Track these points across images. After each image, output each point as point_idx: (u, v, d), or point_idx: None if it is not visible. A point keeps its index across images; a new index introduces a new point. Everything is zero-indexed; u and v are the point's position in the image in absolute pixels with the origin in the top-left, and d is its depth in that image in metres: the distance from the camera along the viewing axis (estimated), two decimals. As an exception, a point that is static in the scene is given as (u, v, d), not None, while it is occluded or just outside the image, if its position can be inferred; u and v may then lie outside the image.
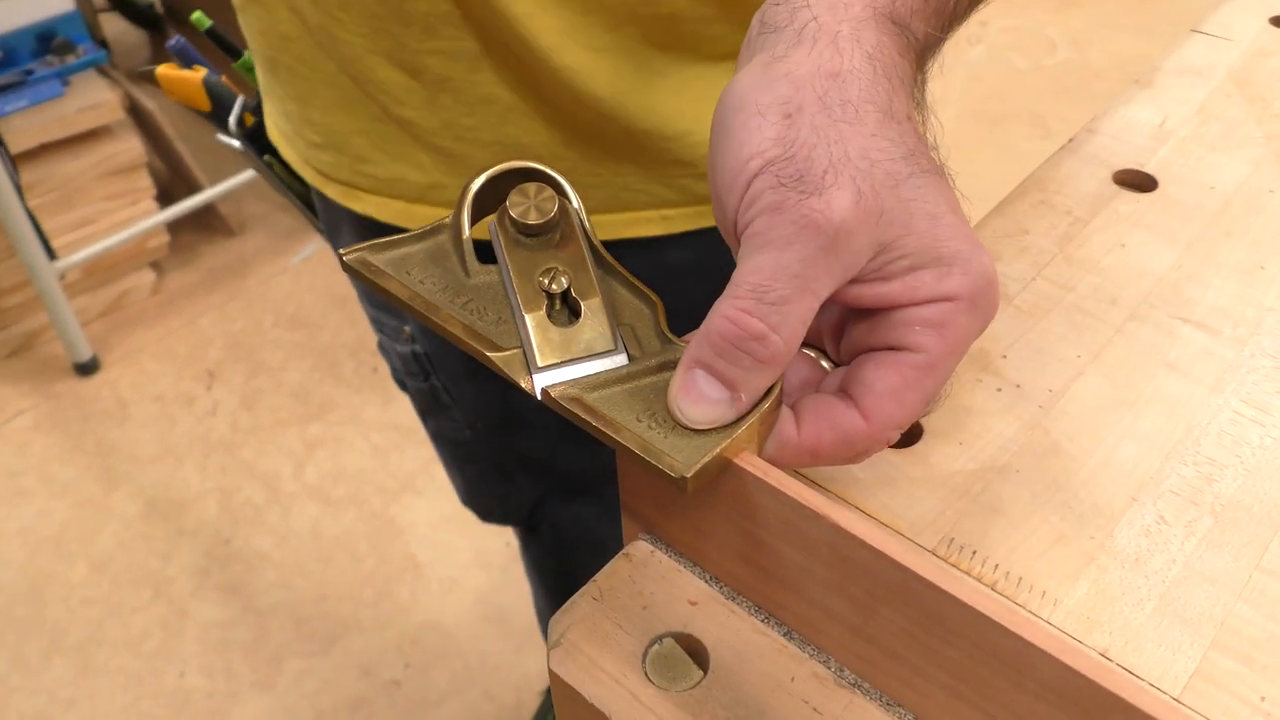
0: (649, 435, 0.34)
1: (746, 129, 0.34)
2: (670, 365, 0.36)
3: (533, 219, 0.38)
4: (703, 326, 0.34)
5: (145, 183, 2.00)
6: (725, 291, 0.34)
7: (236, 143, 0.83)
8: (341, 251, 0.39)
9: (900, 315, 0.34)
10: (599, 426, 0.34)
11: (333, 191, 0.69)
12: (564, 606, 0.38)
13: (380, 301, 0.77)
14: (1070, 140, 0.60)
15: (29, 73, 1.89)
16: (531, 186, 0.39)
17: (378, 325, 0.83)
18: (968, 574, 0.38)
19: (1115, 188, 0.56)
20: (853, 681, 0.36)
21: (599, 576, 0.39)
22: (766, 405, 0.34)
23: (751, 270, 0.33)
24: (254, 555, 1.62)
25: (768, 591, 0.37)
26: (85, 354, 1.90)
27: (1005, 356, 0.46)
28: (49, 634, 1.53)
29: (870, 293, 0.34)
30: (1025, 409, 0.44)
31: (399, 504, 1.67)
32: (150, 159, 2.05)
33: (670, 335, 0.37)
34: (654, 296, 0.38)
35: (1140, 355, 0.46)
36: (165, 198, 2.05)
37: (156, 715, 1.43)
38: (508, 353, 0.37)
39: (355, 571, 1.59)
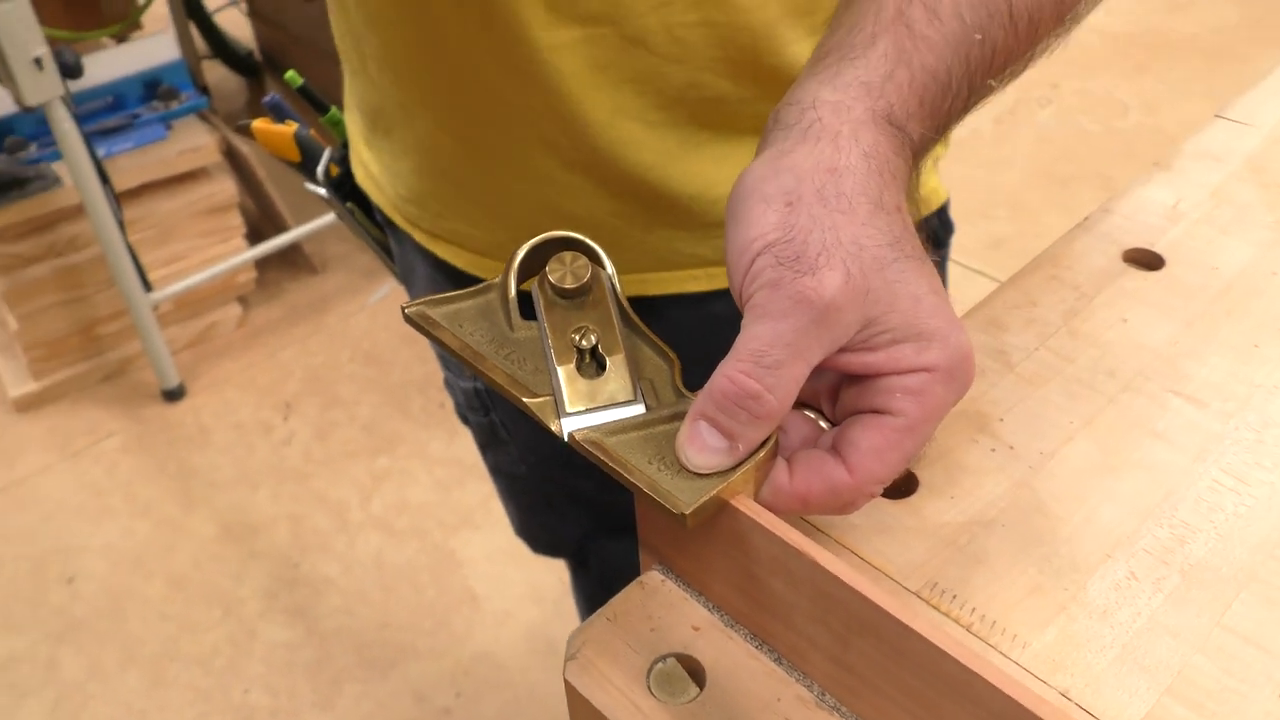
0: (657, 476, 0.39)
1: (752, 214, 0.39)
2: (681, 416, 0.41)
3: (568, 283, 0.43)
4: (707, 384, 0.39)
5: (236, 221, 2.11)
6: (728, 355, 0.38)
7: (323, 190, 0.90)
8: (404, 306, 0.45)
9: (884, 383, 0.39)
10: (614, 467, 0.39)
11: (419, 236, 0.76)
12: (581, 625, 0.43)
13: None
14: (1086, 218, 0.64)
15: (135, 116, 2.03)
16: (569, 255, 0.44)
17: (444, 362, 0.89)
18: (946, 615, 0.42)
19: (1124, 265, 0.60)
20: (833, 705, 0.40)
21: (614, 601, 0.44)
22: (761, 454, 0.39)
23: (751, 338, 0.38)
24: (320, 580, 1.69)
25: (760, 621, 0.41)
26: (173, 381, 2.01)
27: (1002, 420, 0.50)
28: (127, 646, 1.61)
29: (858, 361, 0.39)
30: (1016, 469, 0.48)
31: (458, 537, 1.73)
32: (242, 199, 2.17)
33: (683, 390, 0.42)
34: (672, 355, 0.43)
35: (1130, 424, 0.50)
36: (254, 236, 2.16)
37: (221, 729, 1.50)
38: (541, 400, 0.42)
39: (415, 601, 1.65)
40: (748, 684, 0.41)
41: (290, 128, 0.93)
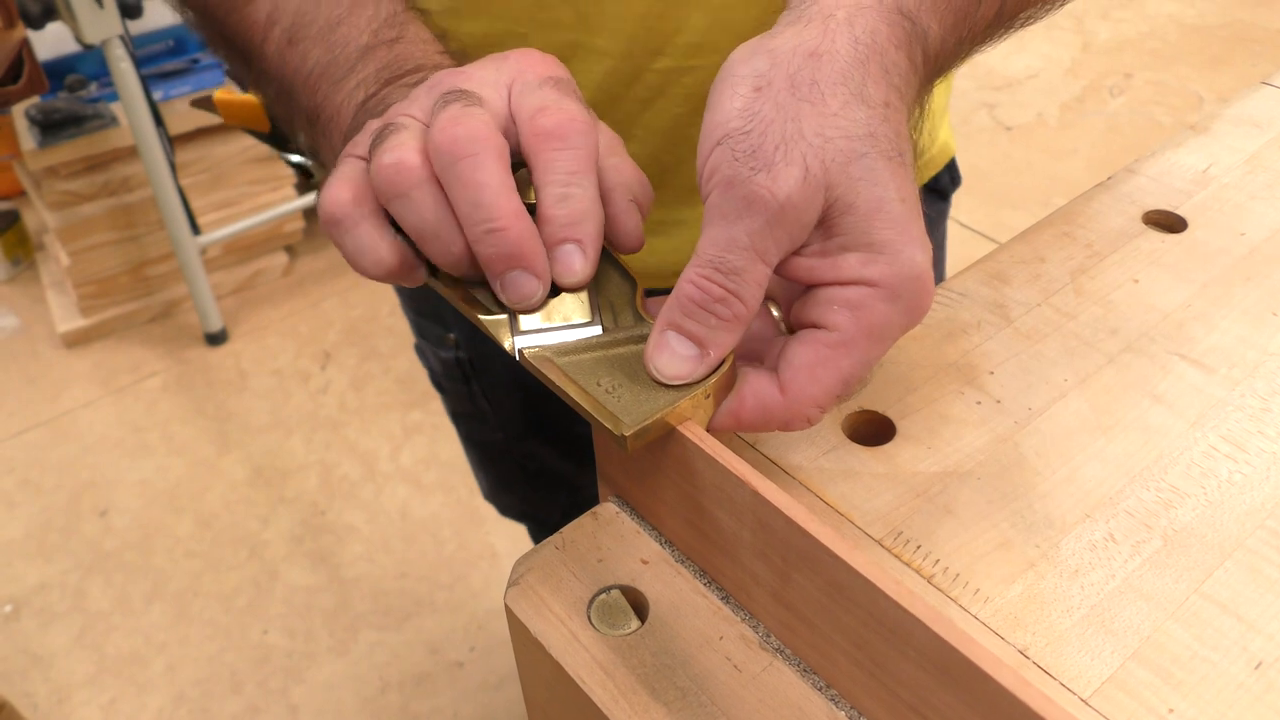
0: (604, 398, 0.37)
1: (721, 98, 0.36)
2: (639, 339, 0.39)
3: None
4: (673, 292, 0.37)
5: (287, 172, 2.13)
6: (691, 261, 0.37)
7: (296, 158, 0.86)
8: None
9: (824, 293, 0.36)
10: (561, 386, 0.38)
11: None
12: (529, 552, 0.42)
13: (425, 309, 0.82)
14: (1109, 178, 0.61)
15: (195, 61, 2.04)
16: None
17: (419, 330, 0.87)
18: (908, 565, 0.40)
19: (1142, 227, 0.57)
20: (776, 647, 0.38)
21: (565, 529, 0.43)
22: (713, 379, 0.37)
23: (710, 242, 0.36)
24: (345, 528, 1.70)
25: (708, 556, 0.40)
26: (216, 325, 2.03)
27: (992, 373, 0.48)
28: (153, 580, 1.64)
29: (803, 265, 0.36)
30: (1000, 423, 0.46)
31: (484, 494, 1.74)
32: (294, 149, 2.18)
33: (644, 313, 0.40)
34: (632, 276, 0.42)
35: (1128, 385, 0.47)
36: (305, 187, 2.18)
37: (238, 667, 1.52)
38: (497, 317, 0.40)
39: (436, 554, 1.66)
40: (691, 620, 0.39)
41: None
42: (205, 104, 0.89)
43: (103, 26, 1.69)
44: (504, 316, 0.40)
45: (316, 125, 0.47)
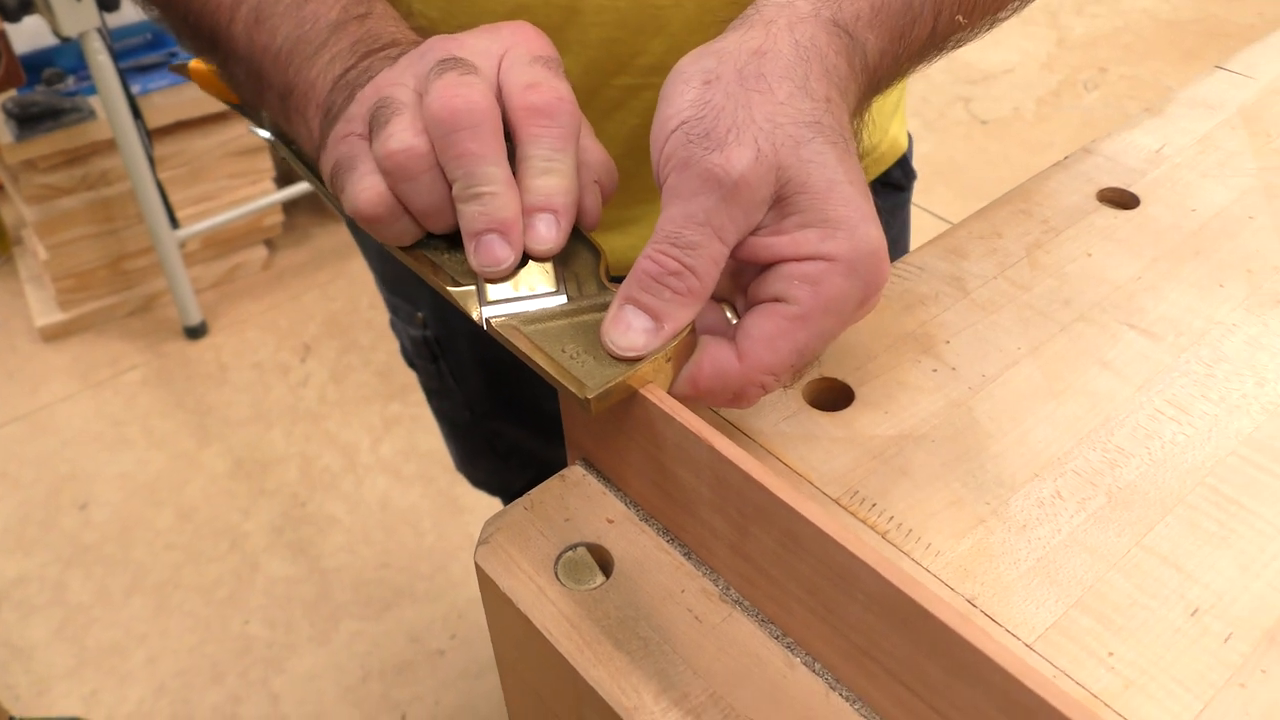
0: (569, 364, 0.39)
1: (673, 93, 0.38)
2: (602, 307, 0.40)
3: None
4: (632, 269, 0.38)
5: (266, 164, 2.13)
6: (650, 239, 0.38)
7: (265, 133, 0.86)
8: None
9: (783, 269, 0.37)
10: (526, 353, 0.39)
11: None
12: (498, 513, 0.43)
13: (398, 288, 0.83)
14: (1065, 158, 0.62)
15: (173, 55, 2.04)
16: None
17: (392, 308, 0.88)
18: (863, 522, 0.42)
19: (1097, 204, 0.58)
20: (735, 599, 0.40)
21: (533, 491, 0.44)
22: (674, 343, 0.39)
23: (667, 220, 0.37)
24: (326, 519, 1.71)
25: (671, 514, 0.41)
26: (196, 319, 2.04)
27: (949, 342, 0.50)
28: (132, 573, 1.64)
29: (761, 244, 0.38)
30: (955, 389, 0.47)
31: (462, 485, 1.74)
32: (273, 143, 2.18)
33: (607, 283, 0.42)
34: (600, 247, 0.43)
35: (1078, 352, 0.49)
36: (284, 180, 2.18)
37: (218, 658, 1.53)
38: (464, 289, 0.42)
39: (416, 544, 1.67)
40: (654, 575, 0.41)
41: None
42: (181, 70, 0.88)
43: (80, 19, 1.69)
44: (471, 288, 0.42)
45: (289, 101, 0.47)
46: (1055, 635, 0.38)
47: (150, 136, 1.90)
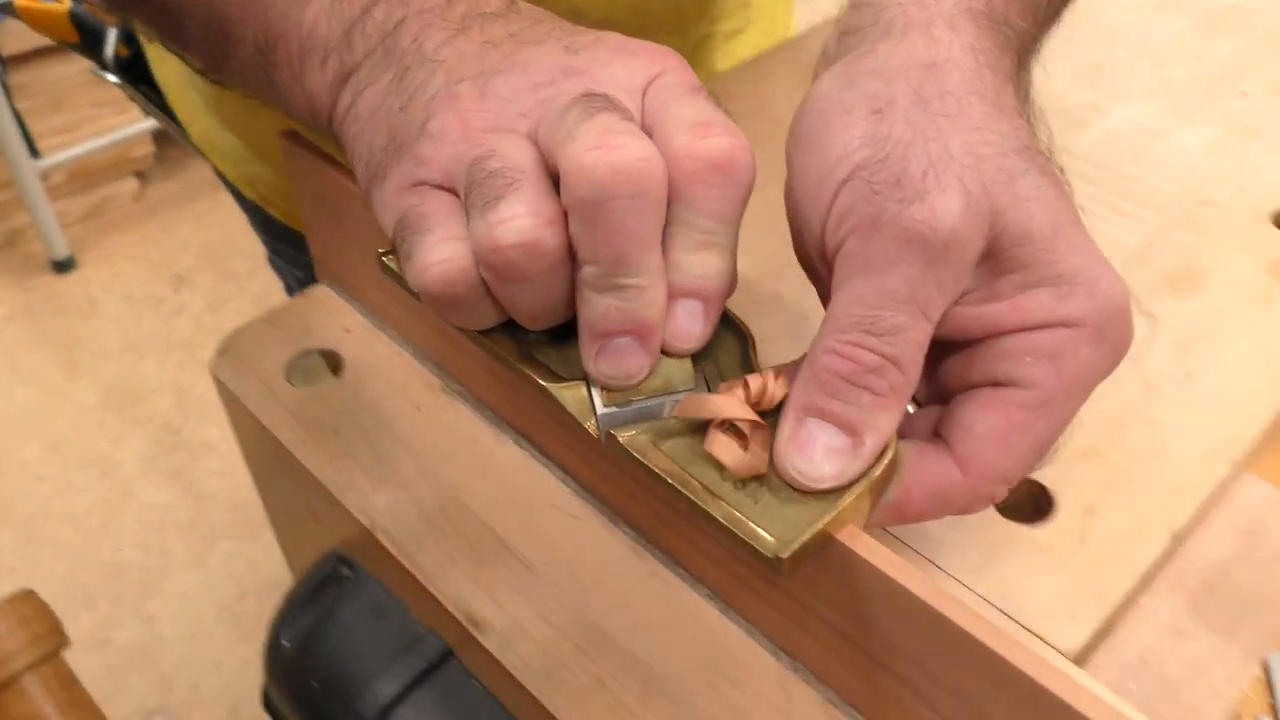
0: (735, 498, 0.28)
1: (830, 131, 0.29)
2: (766, 412, 0.30)
3: None
4: (806, 369, 0.29)
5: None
6: (824, 327, 0.29)
7: (112, 77, 0.79)
8: (380, 252, 0.34)
9: (1008, 343, 0.28)
10: (675, 485, 0.29)
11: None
12: (240, 327, 0.44)
13: (277, 232, 0.76)
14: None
15: (24, -22, 1.97)
16: None
17: (273, 250, 0.81)
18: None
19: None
20: (456, 389, 0.41)
21: (278, 307, 0.45)
22: (878, 470, 0.28)
23: (854, 300, 0.28)
24: (200, 444, 1.69)
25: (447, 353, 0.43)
26: (63, 252, 1.98)
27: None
28: (0, 507, 1.62)
29: (973, 315, 0.29)
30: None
31: (341, 407, 1.74)
32: (139, 71, 2.12)
33: (759, 370, 0.31)
34: (745, 327, 0.32)
35: None
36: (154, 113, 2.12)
37: (91, 585, 1.51)
38: (568, 385, 0.31)
39: (293, 467, 1.66)
40: (384, 374, 0.42)
41: (64, 4, 0.76)
42: (8, 10, 0.80)
43: (-84, -64, 1.61)
44: (578, 384, 0.31)
45: (274, 53, 0.36)
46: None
47: (5, 64, 1.83)
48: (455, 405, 0.41)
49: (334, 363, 0.43)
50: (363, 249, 0.42)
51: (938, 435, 0.30)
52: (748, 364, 0.31)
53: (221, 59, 0.38)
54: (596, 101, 0.29)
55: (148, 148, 2.14)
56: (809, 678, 0.33)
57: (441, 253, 0.29)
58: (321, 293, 0.46)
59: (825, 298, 0.30)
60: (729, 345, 0.32)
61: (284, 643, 0.40)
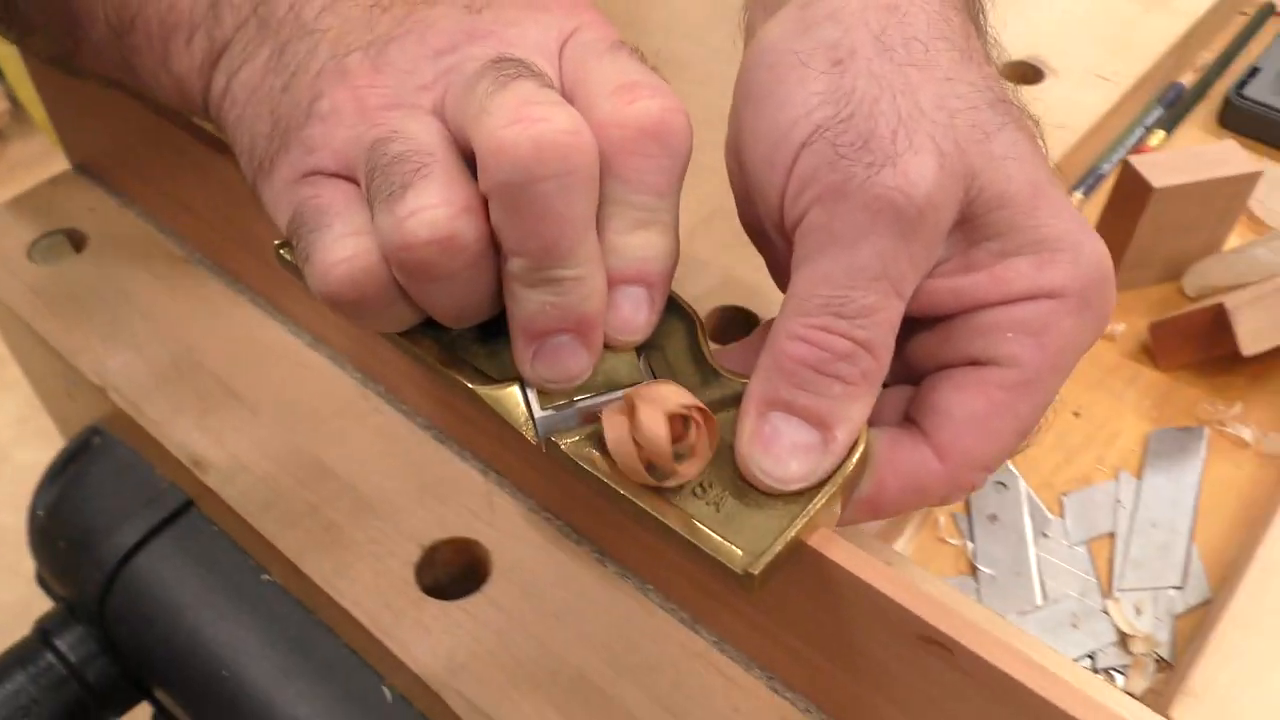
0: (694, 506, 0.25)
1: (785, 85, 0.26)
2: (720, 403, 0.27)
3: None
4: (767, 357, 0.26)
5: (-20, 49, 2.00)
6: (785, 307, 0.26)
7: None
8: (277, 244, 0.30)
9: (986, 318, 0.26)
10: (627, 496, 0.25)
11: None
12: (-13, 214, 0.44)
13: None
14: None
15: None
16: None
17: None
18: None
19: None
20: (198, 259, 0.42)
21: (22, 193, 0.45)
22: (851, 466, 0.25)
23: (820, 279, 0.25)
24: None
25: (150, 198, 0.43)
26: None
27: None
28: None
29: (947, 288, 0.26)
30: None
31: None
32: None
33: (713, 360, 0.28)
34: (690, 309, 0.28)
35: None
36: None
37: (-34, 548, 1.49)
38: (500, 388, 0.27)
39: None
40: (128, 247, 0.43)
41: None
42: None
43: None
44: (511, 387, 0.27)
45: (131, 35, 0.31)
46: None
47: None
48: (195, 272, 0.42)
49: (78, 241, 0.43)
50: (112, 131, 0.42)
51: (909, 420, 0.27)
52: (697, 350, 0.28)
53: (72, 47, 0.33)
54: (509, 68, 0.25)
55: (2, 104, 2.07)
56: (512, 489, 0.35)
57: (343, 250, 0.25)
58: (67, 177, 0.46)
59: (779, 273, 0.28)
60: (674, 330, 0.28)
61: (39, 513, 0.41)
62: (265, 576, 0.35)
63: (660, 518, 0.25)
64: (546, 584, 0.33)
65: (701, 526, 0.25)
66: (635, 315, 0.27)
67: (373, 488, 0.35)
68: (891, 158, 0.24)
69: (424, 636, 0.32)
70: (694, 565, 0.26)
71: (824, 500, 0.25)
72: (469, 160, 0.25)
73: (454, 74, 0.27)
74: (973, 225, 0.25)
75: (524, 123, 0.23)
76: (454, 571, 0.34)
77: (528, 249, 0.25)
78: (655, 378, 0.27)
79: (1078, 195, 0.47)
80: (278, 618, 0.34)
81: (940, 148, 0.24)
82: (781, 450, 0.25)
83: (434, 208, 0.24)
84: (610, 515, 0.32)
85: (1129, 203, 0.42)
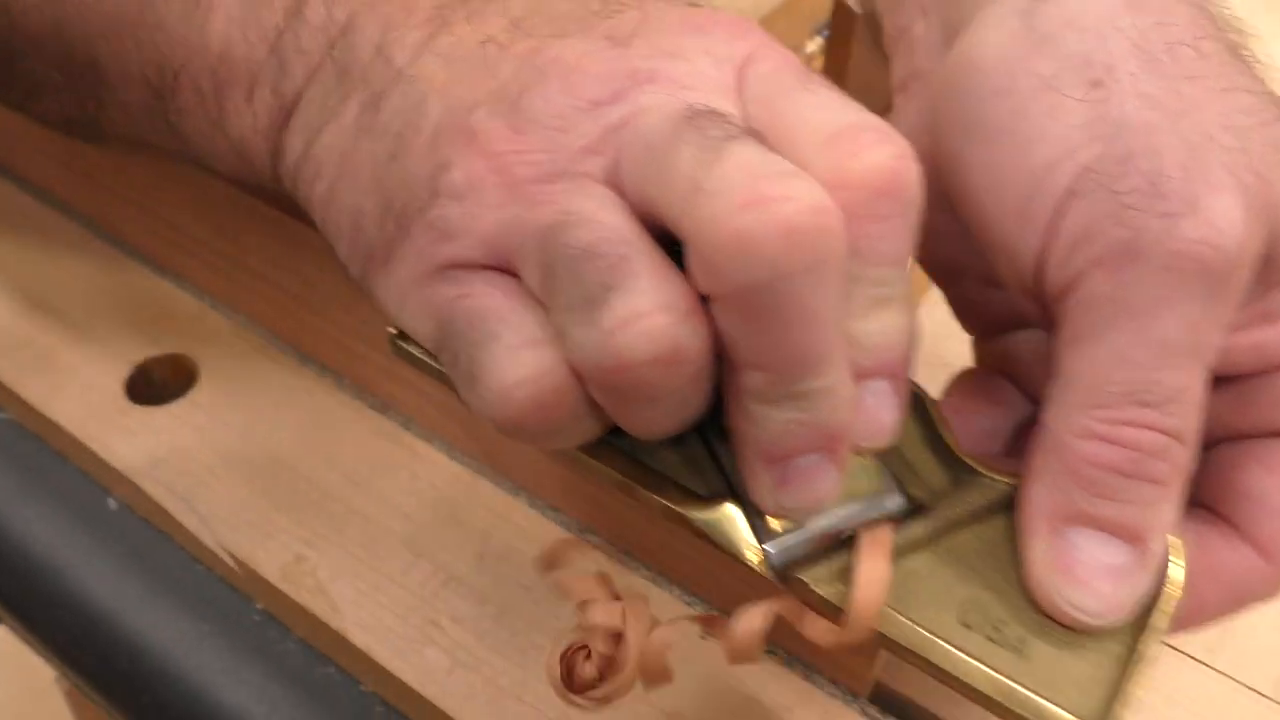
0: (996, 659, 0.21)
1: (1029, 117, 0.21)
2: (982, 512, 0.23)
3: None
4: (1053, 460, 0.22)
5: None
6: (1068, 397, 0.22)
7: None
8: (392, 332, 0.25)
9: None
10: (907, 645, 0.21)
11: None
12: None
13: None
14: None
15: None
16: None
17: None
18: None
19: None
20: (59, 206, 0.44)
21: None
22: (1178, 584, 0.21)
23: (1116, 361, 0.21)
24: None
25: None
26: None
27: None
28: None
29: (1247, 344, 0.22)
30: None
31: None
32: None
33: (961, 453, 0.23)
34: (920, 390, 0.23)
35: None
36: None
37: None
38: (714, 509, 0.23)
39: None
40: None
41: None
42: None
43: None
44: (723, 505, 0.23)
45: (177, 96, 0.27)
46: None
47: None
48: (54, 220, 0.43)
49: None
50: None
51: (1201, 505, 0.23)
52: (937, 440, 0.23)
53: (94, 110, 0.29)
54: (712, 126, 0.20)
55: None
56: (225, 310, 0.37)
57: (522, 368, 0.20)
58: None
59: (976, 318, 0.25)
60: (910, 422, 0.23)
61: None
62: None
63: (977, 687, 0.21)
64: (248, 386, 0.35)
65: (1018, 688, 0.20)
66: (881, 414, 0.21)
67: (85, 314, 0.37)
68: (1190, 203, 0.20)
69: (128, 438, 0.34)
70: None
71: (1158, 635, 0.21)
72: (663, 243, 0.20)
73: (626, 131, 0.21)
74: (1273, 264, 0.21)
75: (762, 204, 0.18)
76: (167, 385, 0.36)
77: (772, 362, 0.19)
78: (898, 486, 0.23)
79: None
80: (5, 446, 0.36)
81: (1241, 181, 0.20)
82: (1090, 576, 0.21)
83: (649, 315, 0.19)
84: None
85: None
